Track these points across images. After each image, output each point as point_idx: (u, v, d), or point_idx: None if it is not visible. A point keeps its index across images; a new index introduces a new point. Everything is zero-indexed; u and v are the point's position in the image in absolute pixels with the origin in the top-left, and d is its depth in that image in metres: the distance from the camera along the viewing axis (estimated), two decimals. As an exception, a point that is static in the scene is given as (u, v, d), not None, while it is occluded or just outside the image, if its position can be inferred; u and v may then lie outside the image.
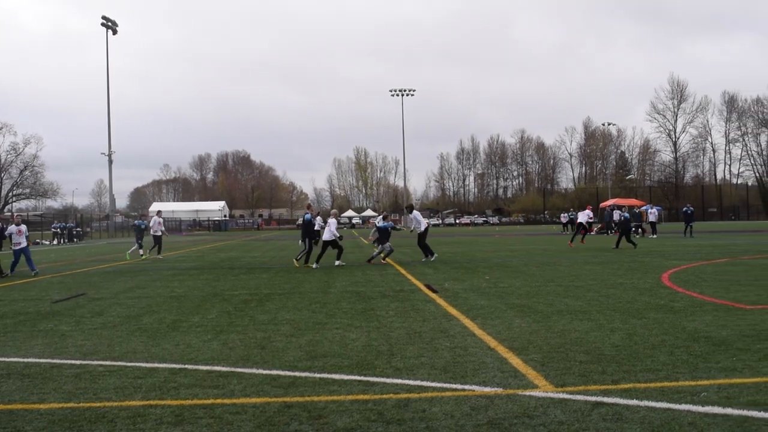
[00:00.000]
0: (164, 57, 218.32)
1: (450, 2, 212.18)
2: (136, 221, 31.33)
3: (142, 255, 29.62)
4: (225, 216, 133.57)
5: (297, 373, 6.86)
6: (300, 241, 24.54)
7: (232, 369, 7.13)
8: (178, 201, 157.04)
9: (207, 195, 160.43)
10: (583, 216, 33.58)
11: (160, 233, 29.96)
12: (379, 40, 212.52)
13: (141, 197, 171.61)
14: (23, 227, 21.66)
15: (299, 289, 15.00)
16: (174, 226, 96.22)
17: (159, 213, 31.24)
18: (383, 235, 23.66)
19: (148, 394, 6.20)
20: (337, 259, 22.18)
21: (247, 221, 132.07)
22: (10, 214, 23.73)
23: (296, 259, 23.38)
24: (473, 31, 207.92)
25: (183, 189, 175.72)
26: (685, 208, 39.69)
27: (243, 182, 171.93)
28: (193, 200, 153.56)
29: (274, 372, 6.94)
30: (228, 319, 10.80)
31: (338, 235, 22.44)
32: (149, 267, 23.73)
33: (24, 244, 21.13)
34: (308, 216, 23.42)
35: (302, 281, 16.92)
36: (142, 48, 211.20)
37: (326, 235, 22.26)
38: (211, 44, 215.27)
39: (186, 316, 11.17)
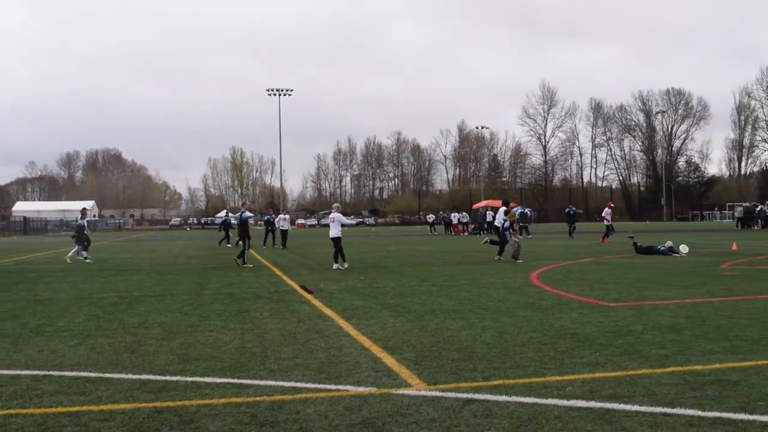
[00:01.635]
0: (23, 49, 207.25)
1: (324, 2, 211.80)
2: (81, 221, 27.68)
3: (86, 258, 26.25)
4: (94, 216, 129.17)
5: (168, 377, 6.71)
6: (237, 240, 24.09)
7: (100, 374, 6.90)
8: (44, 200, 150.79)
9: (75, 194, 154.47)
10: (608, 214, 36.50)
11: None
12: (255, 39, 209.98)
13: (4, 196, 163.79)
14: None
15: (171, 291, 14.67)
16: (40, 226, 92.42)
17: (84, 211, 28.81)
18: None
19: (9, 402, 5.91)
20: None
21: (117, 221, 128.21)
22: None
23: (237, 258, 22.29)
24: (349, 32, 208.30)
25: (50, 188, 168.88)
26: (567, 209, 40.45)
27: (114, 181, 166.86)
28: (61, 200, 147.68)
29: (144, 376, 6.76)
30: (96, 322, 10.45)
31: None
32: (11, 269, 22.67)
33: None
34: (245, 214, 23.13)
35: (175, 283, 16.55)
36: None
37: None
38: (75, 37, 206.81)
39: (51, 321, 10.73)
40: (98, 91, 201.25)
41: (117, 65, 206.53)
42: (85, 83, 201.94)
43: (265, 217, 39.12)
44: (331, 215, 21.35)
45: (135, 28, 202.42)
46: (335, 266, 20.17)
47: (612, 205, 37.92)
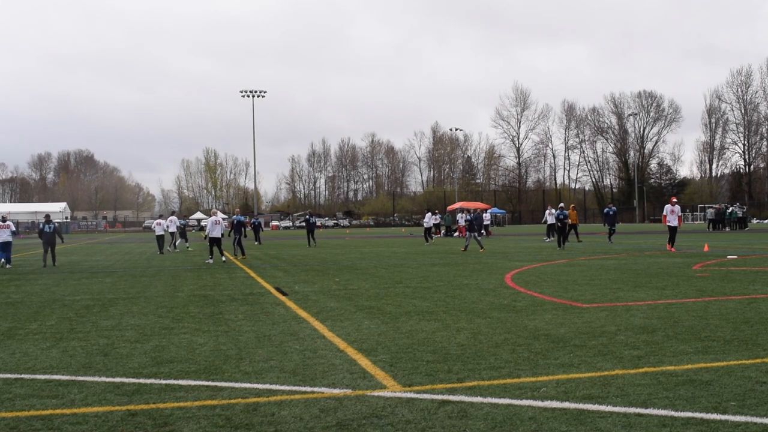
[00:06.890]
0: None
1: (296, 3, 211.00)
2: (182, 221, 38.56)
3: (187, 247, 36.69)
4: (66, 218, 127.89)
5: (142, 380, 6.66)
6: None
7: (73, 377, 6.84)
8: (15, 202, 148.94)
9: (47, 196, 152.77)
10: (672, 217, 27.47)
11: (162, 232, 33.17)
12: (227, 41, 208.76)
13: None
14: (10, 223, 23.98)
15: (145, 294, 14.57)
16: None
17: (162, 216, 36.89)
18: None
19: (-21, 406, 5.85)
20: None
21: (90, 223, 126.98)
22: None
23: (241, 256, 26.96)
24: (319, 33, 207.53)
25: (21, 189, 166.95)
26: (606, 209, 36.09)
27: (86, 183, 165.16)
28: (32, 201, 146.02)
29: (118, 379, 6.71)
30: (69, 325, 10.35)
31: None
32: (-18, 272, 22.39)
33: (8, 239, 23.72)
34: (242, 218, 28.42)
35: (148, 285, 16.44)
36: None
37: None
38: (41, 37, 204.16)
39: (23, 323, 10.62)
40: (70, 92, 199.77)
41: (87, 66, 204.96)
42: (56, 84, 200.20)
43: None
44: (217, 218, 25.50)
45: (106, 30, 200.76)
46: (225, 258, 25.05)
47: (675, 200, 28.28)
